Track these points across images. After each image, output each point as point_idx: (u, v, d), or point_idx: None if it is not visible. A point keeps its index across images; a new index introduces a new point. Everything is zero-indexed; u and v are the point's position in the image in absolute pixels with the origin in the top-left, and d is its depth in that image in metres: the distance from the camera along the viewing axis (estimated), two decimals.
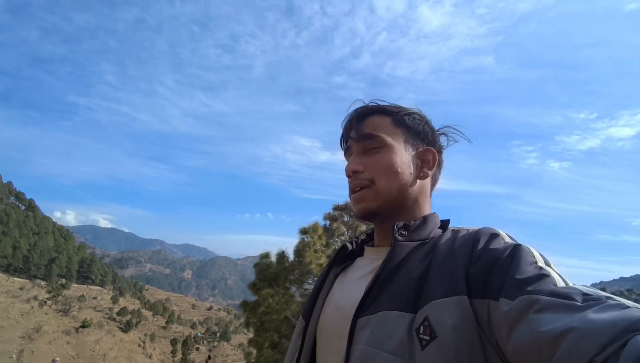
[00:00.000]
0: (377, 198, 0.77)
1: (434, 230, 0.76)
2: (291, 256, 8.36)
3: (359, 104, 0.84)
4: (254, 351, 8.53)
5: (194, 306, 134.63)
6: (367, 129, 0.79)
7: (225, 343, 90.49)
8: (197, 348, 77.62)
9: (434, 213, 0.81)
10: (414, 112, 0.82)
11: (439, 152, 0.83)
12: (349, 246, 0.87)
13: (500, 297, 0.54)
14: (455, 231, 0.72)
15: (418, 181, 0.79)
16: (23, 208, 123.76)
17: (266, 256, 8.35)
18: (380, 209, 0.77)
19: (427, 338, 0.57)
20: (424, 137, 0.82)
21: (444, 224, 0.80)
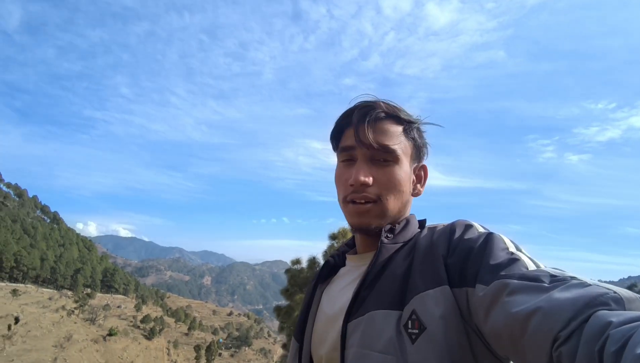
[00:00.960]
0: (382, 216, 0.76)
1: (414, 231, 0.78)
2: (321, 262, 8.68)
3: (368, 98, 0.80)
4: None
5: (214, 312, 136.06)
6: (383, 138, 0.76)
7: (247, 348, 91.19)
8: (220, 354, 78.48)
9: (412, 214, 0.82)
10: (419, 124, 0.81)
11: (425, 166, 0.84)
12: (332, 261, 0.87)
13: (476, 283, 0.57)
14: (432, 228, 0.74)
15: (411, 196, 0.81)
16: (48, 220, 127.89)
17: (297, 262, 8.68)
18: (380, 226, 0.76)
19: (417, 331, 0.59)
20: (424, 153, 0.82)
21: (422, 224, 0.82)
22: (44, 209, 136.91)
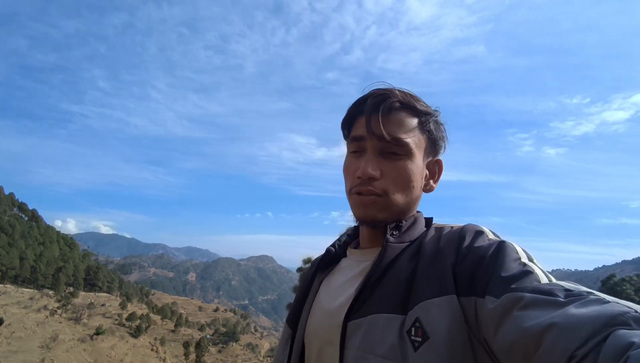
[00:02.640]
0: (387, 210, 0.73)
1: (421, 230, 0.75)
2: None
3: (383, 86, 0.76)
4: None
5: (200, 308, 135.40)
6: (396, 130, 0.72)
7: (234, 344, 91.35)
8: (208, 350, 78.46)
9: (420, 212, 0.80)
10: (437, 116, 0.78)
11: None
12: (333, 250, 0.85)
13: (486, 295, 0.55)
14: (439, 229, 0.72)
15: (422, 192, 0.78)
16: (26, 218, 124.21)
17: (309, 261, 9.05)
18: (386, 220, 0.74)
19: (419, 339, 0.58)
20: (440, 147, 0.79)
21: (428, 222, 0.79)
22: (22, 207, 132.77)
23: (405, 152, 0.72)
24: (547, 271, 0.57)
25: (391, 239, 0.71)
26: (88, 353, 47.64)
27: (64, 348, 44.06)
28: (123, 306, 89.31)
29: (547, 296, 0.49)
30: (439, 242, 0.67)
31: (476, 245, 0.63)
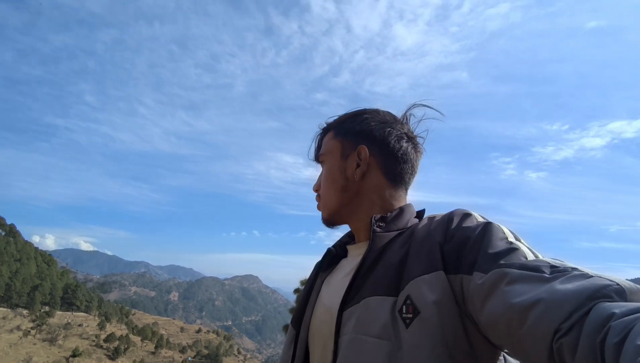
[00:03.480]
0: (325, 208, 0.87)
1: (411, 219, 0.79)
2: None
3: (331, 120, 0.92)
4: None
5: (182, 329, 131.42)
6: (319, 151, 0.90)
7: None
8: None
9: (409, 204, 0.84)
10: (356, 115, 0.87)
11: (384, 143, 0.82)
12: (334, 250, 0.89)
13: (474, 271, 0.57)
14: (431, 218, 0.74)
15: (357, 180, 0.82)
16: (3, 233, 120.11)
17: (305, 282, 8.96)
18: (330, 217, 0.86)
19: (411, 316, 0.60)
20: (362, 136, 0.84)
21: (420, 214, 0.83)
22: (0, 221, 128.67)
23: (323, 160, 0.89)
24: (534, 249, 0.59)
25: (378, 229, 0.75)
26: None
27: None
28: (101, 326, 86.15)
29: (533, 272, 0.51)
30: (429, 227, 0.70)
31: (464, 225, 0.65)
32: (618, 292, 0.44)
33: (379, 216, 0.77)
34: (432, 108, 0.85)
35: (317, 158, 0.91)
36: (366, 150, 0.82)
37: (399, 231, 0.75)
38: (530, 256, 0.56)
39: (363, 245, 0.80)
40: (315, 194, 0.91)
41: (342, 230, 0.91)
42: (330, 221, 0.87)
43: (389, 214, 0.78)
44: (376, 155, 0.82)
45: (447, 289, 0.60)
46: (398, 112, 0.87)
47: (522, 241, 0.61)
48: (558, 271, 0.49)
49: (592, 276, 0.46)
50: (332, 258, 0.88)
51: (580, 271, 0.48)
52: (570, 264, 0.51)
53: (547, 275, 0.49)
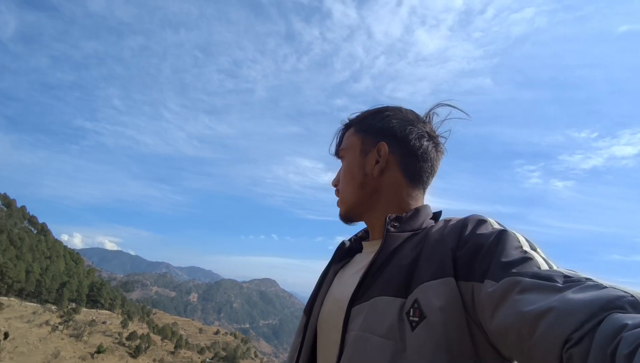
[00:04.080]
0: (342, 203, 0.88)
1: (426, 221, 0.78)
2: None
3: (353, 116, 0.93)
4: None
5: (200, 330, 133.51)
6: (340, 146, 0.92)
7: None
8: None
9: (425, 205, 0.83)
10: (378, 112, 0.87)
11: (405, 141, 0.82)
12: (347, 243, 0.90)
13: (486, 279, 0.56)
14: (447, 221, 0.74)
15: (375, 176, 0.82)
16: (35, 231, 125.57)
17: None
18: (348, 212, 0.87)
19: (417, 319, 0.60)
20: (383, 133, 0.83)
21: (436, 215, 0.82)
22: (32, 220, 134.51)
23: (342, 156, 0.91)
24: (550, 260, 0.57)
25: (392, 229, 0.75)
26: None
27: None
28: (124, 324, 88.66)
29: (545, 281, 0.50)
30: (443, 231, 0.69)
31: (478, 232, 0.64)
32: (632, 304, 0.43)
33: (394, 215, 0.77)
34: (457, 108, 0.83)
35: (338, 153, 0.91)
36: (386, 147, 0.82)
37: (413, 232, 0.75)
38: (545, 266, 0.54)
39: (377, 242, 0.80)
40: (335, 189, 0.92)
41: (359, 227, 0.91)
42: (348, 217, 0.88)
43: (404, 214, 0.78)
44: (396, 153, 0.82)
45: (455, 296, 0.59)
46: (422, 112, 0.87)
47: (538, 250, 0.60)
48: (571, 281, 0.49)
49: (606, 287, 0.46)
50: (347, 251, 0.89)
51: (594, 281, 0.48)
52: (584, 274, 0.50)
53: (559, 285, 0.49)
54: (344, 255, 0.89)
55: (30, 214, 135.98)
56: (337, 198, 0.90)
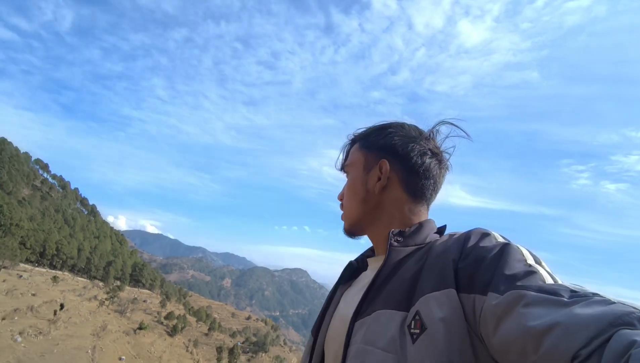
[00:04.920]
0: (346, 218, 0.90)
1: (430, 235, 0.78)
2: None
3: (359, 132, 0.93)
4: None
5: (233, 315, 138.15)
6: (344, 162, 0.93)
7: (263, 354, 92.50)
8: (239, 358, 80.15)
9: (429, 219, 0.83)
10: (381, 129, 0.88)
11: (406, 158, 0.82)
12: (355, 264, 0.90)
13: (489, 291, 0.55)
14: (451, 235, 0.73)
15: (377, 193, 0.84)
16: (86, 212, 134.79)
17: None
18: (351, 227, 0.88)
19: (418, 331, 0.59)
20: (385, 150, 0.85)
21: (441, 230, 0.82)
22: (83, 201, 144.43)
23: (347, 172, 0.92)
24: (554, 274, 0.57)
25: (395, 244, 0.75)
26: (131, 346, 50.79)
27: (111, 338, 47.37)
28: (163, 304, 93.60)
29: (551, 295, 0.49)
30: (447, 243, 0.69)
31: (481, 245, 0.64)
32: None
33: (397, 230, 0.78)
34: (459, 127, 0.83)
35: (343, 168, 0.93)
36: (387, 164, 0.83)
37: (416, 247, 0.75)
38: (549, 280, 0.53)
39: (381, 258, 0.80)
40: (339, 203, 0.94)
41: (365, 240, 0.93)
42: (351, 232, 0.89)
43: (407, 229, 0.78)
44: (397, 170, 0.83)
45: (457, 308, 0.58)
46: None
47: (542, 264, 0.59)
48: (578, 296, 0.48)
49: (613, 303, 0.45)
50: (354, 271, 0.90)
51: (601, 297, 0.46)
52: (590, 290, 0.49)
53: (566, 299, 0.48)
54: (351, 275, 0.89)
55: (82, 196, 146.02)
56: (342, 212, 0.91)
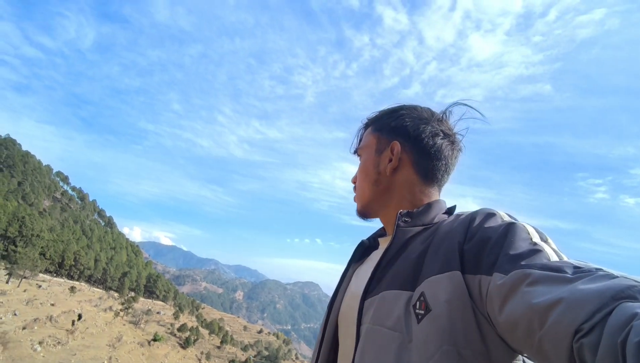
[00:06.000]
0: (358, 200, 0.90)
1: (439, 216, 0.79)
2: None
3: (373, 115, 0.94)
4: None
5: (245, 328, 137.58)
6: (358, 145, 0.94)
7: None
8: None
9: (439, 200, 0.84)
10: (393, 111, 0.88)
11: (418, 140, 0.82)
12: (366, 242, 0.92)
13: (494, 272, 0.56)
14: (458, 215, 0.74)
15: (388, 174, 0.84)
16: (103, 224, 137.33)
17: None
18: (363, 208, 0.90)
19: (422, 312, 0.61)
20: (397, 132, 0.85)
21: (450, 210, 0.83)
22: (101, 213, 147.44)
23: (360, 155, 0.93)
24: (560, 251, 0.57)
25: (402, 224, 0.77)
26: (146, 357, 51.18)
27: (126, 349, 47.86)
28: (176, 316, 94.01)
29: (555, 273, 0.50)
30: (453, 224, 0.70)
31: (486, 225, 0.64)
32: None
33: (405, 211, 0.79)
34: (474, 108, 0.83)
35: (356, 151, 0.94)
36: (398, 146, 0.84)
37: (424, 227, 0.76)
38: (554, 258, 0.54)
39: (390, 238, 0.81)
40: (353, 186, 0.94)
41: (376, 223, 0.94)
42: (363, 213, 0.90)
43: (415, 209, 0.79)
44: (408, 151, 0.83)
45: (462, 289, 0.59)
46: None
47: (549, 241, 0.59)
48: (581, 272, 0.48)
49: (616, 277, 0.45)
50: (366, 249, 0.92)
51: (605, 271, 0.47)
52: (594, 265, 0.50)
53: (569, 276, 0.48)
54: (363, 253, 0.92)
55: (100, 208, 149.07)
56: (354, 195, 0.93)
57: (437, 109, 0.86)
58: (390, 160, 0.84)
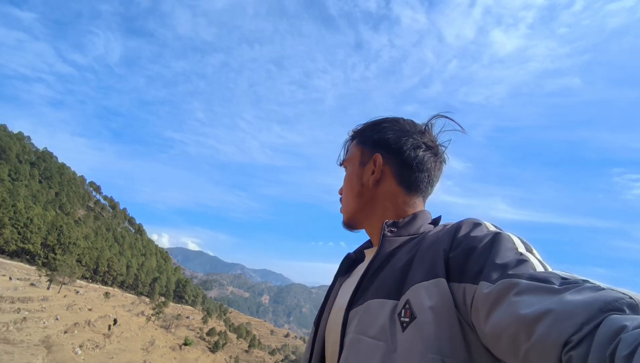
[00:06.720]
0: (343, 211, 0.92)
1: (424, 226, 0.79)
2: None
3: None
4: None
5: (272, 332, 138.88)
6: (344, 157, 0.95)
7: None
8: None
9: (424, 210, 0.84)
10: (376, 124, 0.90)
11: (399, 152, 0.84)
12: (353, 256, 0.91)
13: (481, 280, 0.56)
14: (444, 225, 0.74)
15: (371, 187, 0.86)
16: (133, 231, 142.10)
17: None
18: (348, 220, 0.91)
19: (407, 320, 0.60)
20: (379, 145, 0.86)
21: (436, 221, 0.83)
22: (131, 221, 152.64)
23: (345, 166, 0.95)
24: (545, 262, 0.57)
25: (388, 234, 0.77)
26: (178, 361, 52.73)
27: (159, 353, 49.49)
28: (204, 321, 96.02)
29: (542, 283, 0.49)
30: (439, 234, 0.70)
31: (472, 234, 0.64)
32: (631, 306, 0.42)
33: (391, 221, 0.79)
34: (454, 121, 0.84)
35: (342, 164, 0.95)
36: (380, 158, 0.85)
37: (409, 237, 0.77)
38: (540, 268, 0.54)
39: (376, 248, 0.81)
40: (339, 197, 0.96)
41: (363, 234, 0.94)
42: (349, 225, 0.91)
43: (401, 219, 0.80)
44: (391, 164, 0.84)
45: (447, 297, 0.59)
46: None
47: (534, 252, 0.60)
48: (568, 283, 0.48)
49: (603, 289, 0.45)
50: (352, 262, 0.91)
51: (592, 283, 0.47)
52: (581, 277, 0.50)
53: (556, 287, 0.48)
54: (349, 266, 0.91)
55: (130, 216, 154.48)
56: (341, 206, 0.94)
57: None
58: (373, 172, 0.85)
